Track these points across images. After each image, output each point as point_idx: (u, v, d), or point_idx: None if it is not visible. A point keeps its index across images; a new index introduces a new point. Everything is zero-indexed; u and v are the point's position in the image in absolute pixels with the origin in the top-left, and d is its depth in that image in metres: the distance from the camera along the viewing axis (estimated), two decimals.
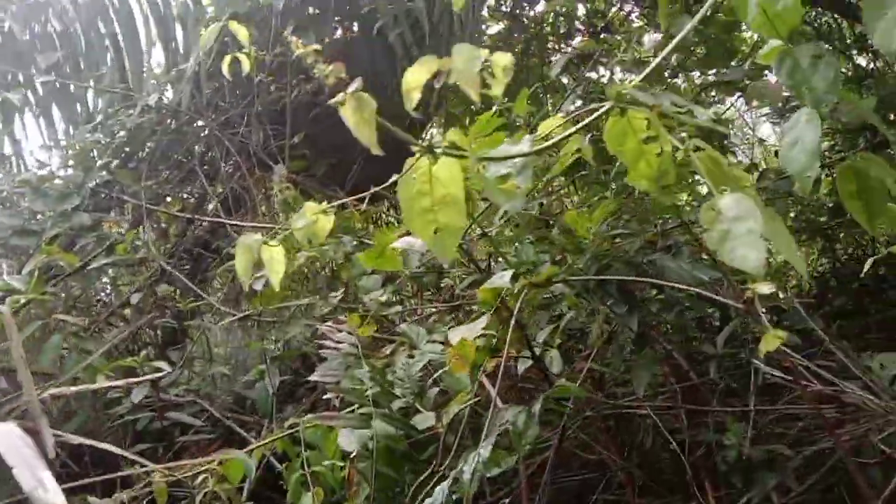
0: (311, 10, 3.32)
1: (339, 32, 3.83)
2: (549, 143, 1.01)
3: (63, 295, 2.69)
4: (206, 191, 3.49)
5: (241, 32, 2.10)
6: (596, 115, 1.00)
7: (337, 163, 3.70)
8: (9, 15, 4.13)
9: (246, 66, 2.09)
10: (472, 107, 5.10)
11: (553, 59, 4.95)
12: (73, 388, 1.68)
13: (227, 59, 2.09)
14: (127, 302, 2.62)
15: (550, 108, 5.20)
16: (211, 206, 3.38)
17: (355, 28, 3.68)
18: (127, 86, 4.08)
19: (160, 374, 2.27)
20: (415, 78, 0.88)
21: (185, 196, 3.51)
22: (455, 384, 1.68)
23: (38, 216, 2.93)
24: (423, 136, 4.56)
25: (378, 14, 3.22)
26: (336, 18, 3.56)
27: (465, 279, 2.35)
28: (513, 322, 1.53)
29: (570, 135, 1.02)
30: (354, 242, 2.71)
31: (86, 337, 2.48)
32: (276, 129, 3.53)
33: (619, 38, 4.83)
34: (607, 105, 0.99)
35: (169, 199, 3.48)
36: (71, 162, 3.21)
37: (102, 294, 2.83)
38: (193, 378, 2.59)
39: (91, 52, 4.29)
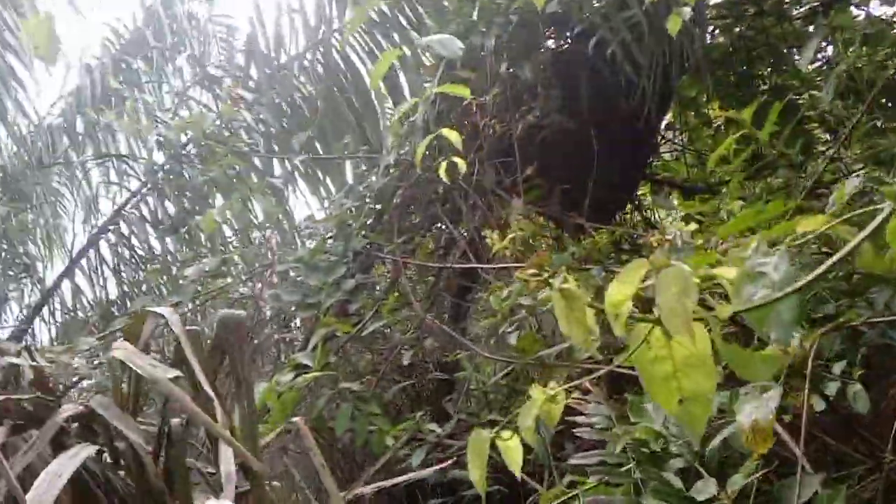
0: (523, 38, 3.27)
1: (550, 43, 3.76)
2: (827, 263, 0.83)
3: (343, 361, 2.93)
4: (451, 235, 3.61)
5: (452, 136, 2.14)
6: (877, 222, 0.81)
7: (571, 186, 3.62)
8: (255, 101, 4.65)
9: (462, 167, 2.11)
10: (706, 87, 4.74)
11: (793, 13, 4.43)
12: (369, 488, 1.79)
13: (443, 165, 2.13)
14: (399, 361, 2.78)
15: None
16: (456, 252, 3.49)
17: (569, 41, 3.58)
18: (369, 148, 4.39)
19: (436, 432, 2.37)
20: (619, 294, 0.76)
21: (432, 246, 3.66)
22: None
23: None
24: (655, 135, 4.31)
25: (595, 28, 3.09)
26: (549, 37, 3.49)
27: None
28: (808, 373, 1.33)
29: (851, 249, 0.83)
30: (603, 273, 2.62)
31: (368, 398, 2.67)
32: (508, 161, 3.55)
33: None
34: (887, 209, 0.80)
35: (417, 248, 3.65)
36: (332, 232, 3.50)
37: (380, 352, 3.03)
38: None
39: (334, 121, 4.69)
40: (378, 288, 3.37)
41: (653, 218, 4.87)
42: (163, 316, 1.59)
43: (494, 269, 3.12)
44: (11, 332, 5.32)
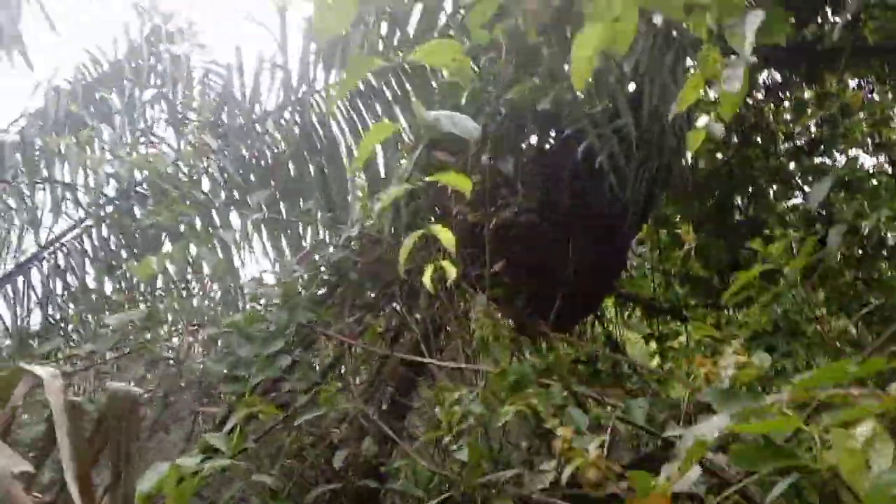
0: (510, 131, 3.13)
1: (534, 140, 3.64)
2: None
3: (264, 449, 2.61)
4: (405, 320, 3.36)
5: (444, 235, 1.95)
6: None
7: (538, 289, 3.44)
8: (220, 149, 4.42)
9: (452, 274, 1.93)
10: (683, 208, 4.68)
11: (779, 147, 4.43)
12: None
13: (428, 272, 1.94)
14: (329, 462, 2.47)
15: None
16: (407, 340, 3.24)
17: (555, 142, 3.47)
18: (333, 215, 4.17)
19: None
20: None
21: (381, 328, 3.40)
22: None
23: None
24: (627, 249, 4.18)
25: (583, 134, 2.97)
26: (535, 134, 3.36)
27: None
28: None
29: None
30: (564, 393, 2.39)
31: (283, 498, 2.35)
32: (475, 253, 3.37)
33: (858, 117, 4.22)
34: None
35: (366, 329, 3.39)
36: (276, 301, 3.23)
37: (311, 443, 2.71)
38: None
39: (299, 182, 4.48)
40: (316, 369, 3.08)
41: (615, 334, 4.71)
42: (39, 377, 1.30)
43: (447, 367, 2.87)
44: None
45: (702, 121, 1.52)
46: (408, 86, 4.26)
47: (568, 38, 2.77)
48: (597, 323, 4.62)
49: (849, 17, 2.58)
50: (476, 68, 3.09)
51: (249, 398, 2.61)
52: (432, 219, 3.34)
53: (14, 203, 5.18)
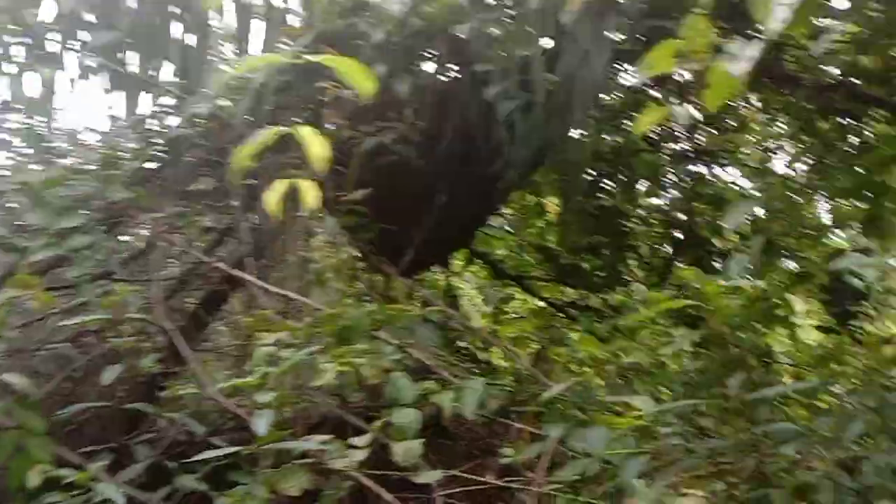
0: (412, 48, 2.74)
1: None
2: None
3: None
4: (235, 224, 2.94)
5: (313, 144, 1.55)
6: None
7: (398, 225, 3.13)
8: None
9: (308, 200, 1.55)
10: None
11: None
12: None
13: (279, 188, 1.54)
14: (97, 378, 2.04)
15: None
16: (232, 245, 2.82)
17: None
18: (185, 83, 3.57)
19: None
20: None
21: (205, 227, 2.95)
22: None
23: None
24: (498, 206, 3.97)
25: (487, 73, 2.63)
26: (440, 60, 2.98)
27: None
28: None
29: None
30: (398, 356, 2.11)
31: (33, 405, 1.91)
32: (338, 172, 2.98)
33: (748, 137, 4.22)
34: None
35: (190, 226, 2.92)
36: (91, 166, 2.68)
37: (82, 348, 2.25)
38: None
39: (153, 37, 3.79)
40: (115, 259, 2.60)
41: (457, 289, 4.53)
42: None
43: (272, 291, 2.51)
44: None
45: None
46: None
47: None
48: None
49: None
50: None
51: (23, 276, 2.12)
52: (300, 120, 2.91)
53: None
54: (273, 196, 1.57)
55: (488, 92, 2.52)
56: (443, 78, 2.85)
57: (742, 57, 1.07)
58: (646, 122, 1.35)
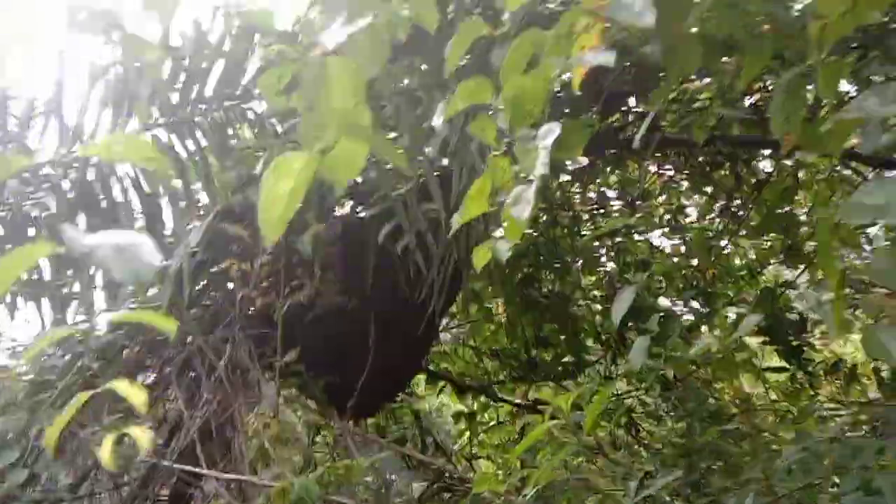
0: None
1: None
2: None
3: None
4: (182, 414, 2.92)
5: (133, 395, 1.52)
6: None
7: (341, 370, 3.15)
8: None
9: (143, 444, 1.52)
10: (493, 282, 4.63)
11: (583, 228, 4.51)
12: None
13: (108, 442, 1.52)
14: None
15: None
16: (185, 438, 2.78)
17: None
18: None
19: None
20: None
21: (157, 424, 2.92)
22: None
23: None
24: (437, 327, 4.00)
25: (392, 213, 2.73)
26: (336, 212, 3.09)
27: None
28: None
29: None
30: None
31: None
32: (268, 336, 3.01)
33: (657, 202, 4.40)
34: None
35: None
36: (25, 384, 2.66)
37: None
38: None
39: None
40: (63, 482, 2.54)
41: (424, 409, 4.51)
42: None
43: (229, 479, 2.47)
44: None
45: (498, 233, 1.32)
46: (205, 142, 3.84)
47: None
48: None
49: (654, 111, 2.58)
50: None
51: None
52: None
53: None
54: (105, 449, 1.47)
55: (380, 235, 2.60)
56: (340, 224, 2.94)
57: (523, 200, 1.16)
58: (479, 261, 1.42)
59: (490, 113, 1.30)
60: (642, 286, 1.97)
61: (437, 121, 1.45)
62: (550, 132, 1.16)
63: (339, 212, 3.33)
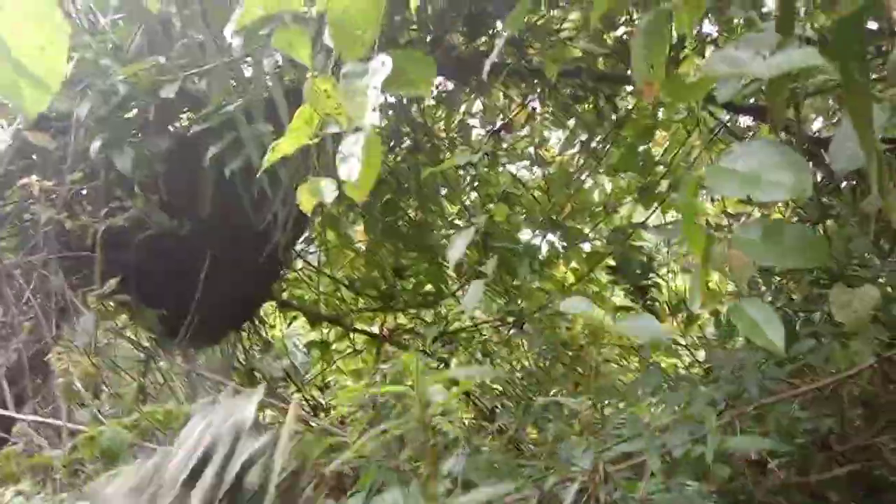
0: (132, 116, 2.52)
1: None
2: None
3: None
4: None
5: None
6: None
7: (177, 297, 2.89)
8: None
9: None
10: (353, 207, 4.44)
11: (445, 156, 4.37)
12: None
13: None
14: None
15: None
16: None
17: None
18: None
19: None
20: None
21: None
22: None
23: None
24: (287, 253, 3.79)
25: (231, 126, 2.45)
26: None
27: None
28: None
29: None
30: None
31: None
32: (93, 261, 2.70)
33: (521, 134, 4.32)
34: None
35: None
36: None
37: None
38: None
39: None
40: None
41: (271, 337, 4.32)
42: None
43: (28, 420, 2.21)
44: None
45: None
46: None
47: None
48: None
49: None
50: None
51: None
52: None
53: None
54: None
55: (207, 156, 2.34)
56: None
57: (352, 157, 0.99)
58: (306, 203, 1.25)
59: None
60: (481, 226, 1.84)
61: (228, 30, 1.22)
62: (380, 69, 0.97)
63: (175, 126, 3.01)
